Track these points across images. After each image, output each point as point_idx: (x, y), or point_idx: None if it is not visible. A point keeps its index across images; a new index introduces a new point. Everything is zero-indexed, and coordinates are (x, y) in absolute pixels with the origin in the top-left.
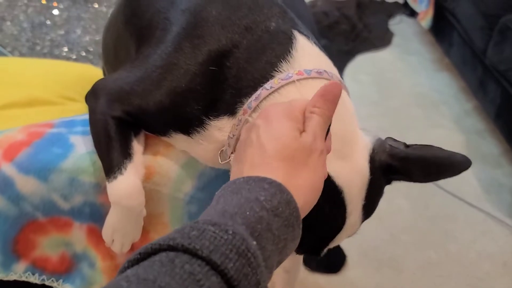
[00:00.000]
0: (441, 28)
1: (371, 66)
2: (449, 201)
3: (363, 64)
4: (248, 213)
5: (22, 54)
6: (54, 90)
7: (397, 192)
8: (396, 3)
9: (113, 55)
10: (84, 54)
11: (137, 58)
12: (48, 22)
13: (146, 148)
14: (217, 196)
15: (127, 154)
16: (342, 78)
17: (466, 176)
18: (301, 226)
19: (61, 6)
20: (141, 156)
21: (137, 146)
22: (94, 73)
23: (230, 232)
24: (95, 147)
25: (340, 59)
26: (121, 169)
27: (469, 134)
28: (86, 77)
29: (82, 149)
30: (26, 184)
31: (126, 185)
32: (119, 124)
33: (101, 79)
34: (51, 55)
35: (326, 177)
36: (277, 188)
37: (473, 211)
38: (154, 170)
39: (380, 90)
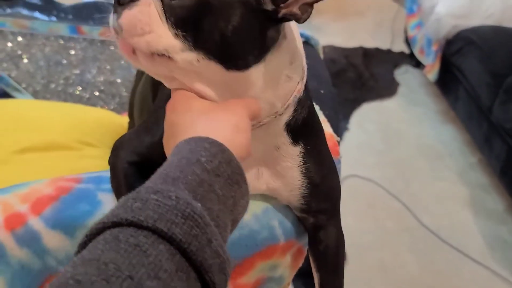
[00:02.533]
0: (447, 82)
1: (377, 115)
2: (454, 256)
3: (369, 112)
4: (190, 177)
5: (36, 91)
6: (72, 135)
7: (402, 246)
8: (402, 53)
9: (138, 115)
10: (97, 93)
11: (150, 111)
12: (64, 61)
13: None
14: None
15: None
16: (348, 127)
17: (471, 231)
18: (247, 181)
19: (78, 47)
20: None
21: None
22: (112, 119)
23: (173, 197)
24: (116, 196)
25: (346, 107)
26: None
27: (473, 188)
28: (104, 123)
29: (110, 206)
30: (53, 239)
31: None
32: (138, 171)
33: (119, 138)
34: (65, 93)
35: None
36: (218, 148)
37: (478, 268)
38: None
39: (385, 139)
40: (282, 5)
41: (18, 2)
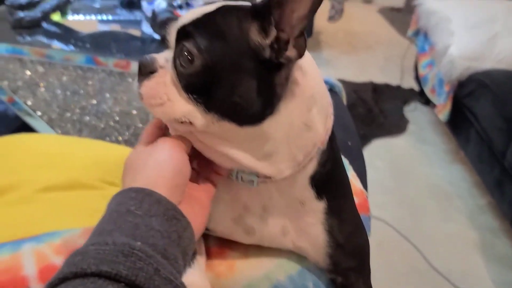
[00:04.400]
0: (458, 123)
1: (387, 152)
2: None
3: (379, 149)
4: (123, 226)
5: (51, 119)
6: (94, 174)
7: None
8: (411, 90)
9: None
10: (112, 124)
11: None
12: (82, 91)
13: (208, 268)
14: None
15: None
16: (366, 170)
17: (481, 276)
18: (184, 215)
19: (96, 77)
20: (203, 257)
21: (199, 248)
22: None
23: (110, 242)
24: None
25: None
26: (185, 269)
27: (483, 232)
28: None
29: None
30: None
31: (192, 276)
32: None
33: None
34: (80, 122)
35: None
36: (144, 193)
37: None
38: None
39: (395, 177)
40: (277, 46)
41: (38, 30)
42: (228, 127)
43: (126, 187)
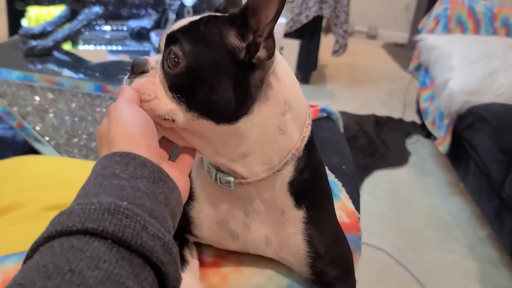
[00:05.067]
0: (458, 155)
1: (388, 183)
2: None
3: (380, 180)
4: (109, 188)
5: (58, 144)
6: None
7: None
8: (413, 123)
9: None
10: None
11: None
12: (89, 117)
13: (201, 279)
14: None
15: (182, 260)
16: (359, 193)
17: None
18: (170, 177)
19: (104, 104)
20: (196, 261)
21: (190, 254)
22: None
23: (96, 202)
24: None
25: (358, 173)
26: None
27: (482, 263)
28: None
29: None
30: None
31: (185, 280)
32: None
33: None
34: (86, 148)
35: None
36: (128, 156)
37: None
38: None
39: (395, 208)
40: (251, 48)
41: (50, 58)
42: (207, 125)
43: (102, 153)
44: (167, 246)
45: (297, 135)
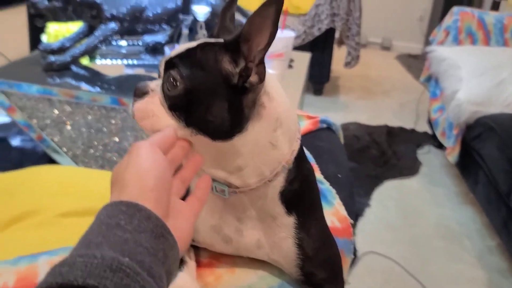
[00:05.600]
0: (467, 165)
1: (398, 193)
2: None
3: (391, 190)
4: (112, 239)
5: (75, 155)
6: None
7: None
8: (425, 133)
9: None
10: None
11: None
12: (105, 129)
13: (197, 278)
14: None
15: (181, 261)
16: (369, 203)
17: None
18: (171, 233)
19: (119, 116)
20: (193, 262)
21: (188, 255)
22: None
23: (99, 256)
24: None
25: (368, 183)
26: (177, 272)
27: (491, 272)
28: None
29: None
30: None
31: (183, 280)
32: None
33: None
34: (102, 158)
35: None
36: (135, 208)
37: None
38: None
39: (405, 217)
40: (244, 74)
41: (68, 73)
42: (203, 141)
43: (112, 198)
44: None
45: (287, 149)
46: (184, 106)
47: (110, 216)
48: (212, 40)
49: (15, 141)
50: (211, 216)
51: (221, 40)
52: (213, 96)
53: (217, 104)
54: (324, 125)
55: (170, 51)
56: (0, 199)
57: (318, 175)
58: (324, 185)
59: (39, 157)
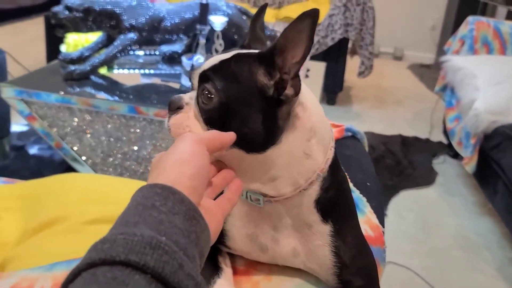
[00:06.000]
0: (485, 175)
1: (414, 203)
2: None
3: (407, 200)
4: (148, 219)
5: (95, 164)
6: None
7: None
8: (440, 143)
9: None
10: (150, 168)
11: None
12: (124, 138)
13: (235, 285)
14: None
15: (217, 267)
16: (386, 213)
17: None
18: (203, 217)
19: (138, 125)
20: (230, 269)
21: (224, 263)
22: None
23: (138, 234)
24: None
25: (384, 194)
26: (215, 279)
27: None
28: None
29: None
30: None
31: (219, 286)
32: None
33: None
34: (121, 166)
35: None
36: (169, 191)
37: None
38: None
39: (422, 227)
40: (278, 86)
41: (87, 82)
42: (238, 154)
43: (150, 181)
44: (199, 286)
45: (321, 157)
46: (219, 120)
47: (146, 197)
48: (245, 51)
49: (33, 150)
50: (247, 224)
51: (254, 51)
52: (248, 108)
53: (253, 117)
54: (349, 134)
55: (187, 61)
56: (29, 205)
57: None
58: (355, 193)
59: (57, 165)
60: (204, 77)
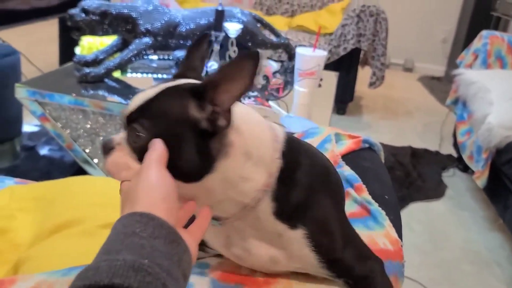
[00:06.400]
0: (497, 190)
1: (424, 215)
2: None
3: (416, 212)
4: (130, 245)
5: None
6: None
7: None
8: (450, 156)
9: None
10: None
11: None
12: None
13: None
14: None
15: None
16: (401, 223)
17: None
18: (183, 238)
19: None
20: None
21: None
22: None
23: (121, 259)
24: None
25: None
26: None
27: None
28: None
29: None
30: None
31: None
32: None
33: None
34: None
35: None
36: (148, 217)
37: None
38: None
39: (431, 240)
40: (211, 118)
41: (101, 85)
42: (178, 184)
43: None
44: None
45: (262, 177)
46: None
47: (126, 226)
48: (175, 83)
49: (43, 151)
50: (219, 236)
51: (187, 82)
52: (179, 142)
53: (185, 150)
54: (366, 145)
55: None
56: (43, 206)
57: (366, 195)
58: (373, 206)
59: (67, 167)
60: (131, 118)
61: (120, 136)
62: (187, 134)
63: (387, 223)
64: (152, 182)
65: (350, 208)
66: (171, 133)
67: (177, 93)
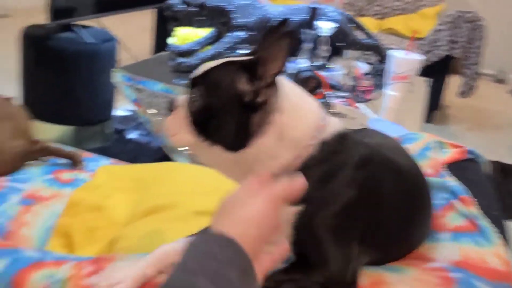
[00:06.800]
0: None
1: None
2: None
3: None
4: (206, 268)
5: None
6: None
7: None
8: None
9: None
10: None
11: None
12: None
13: None
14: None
15: None
16: (507, 240)
17: None
18: (254, 273)
19: None
20: None
21: None
22: None
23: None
24: None
25: None
26: None
27: None
28: None
29: None
30: None
31: None
32: None
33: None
34: None
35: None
36: (229, 243)
37: None
38: None
39: None
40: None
41: None
42: (219, 152)
43: (215, 227)
44: None
45: (288, 156)
46: (202, 122)
47: (207, 244)
48: (235, 58)
49: (132, 135)
50: None
51: (244, 58)
52: (224, 113)
53: (228, 121)
54: (471, 156)
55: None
56: (140, 188)
57: (474, 209)
58: (482, 222)
59: (153, 152)
60: (194, 82)
61: (183, 98)
62: (233, 106)
63: (498, 241)
64: (255, 215)
65: (454, 221)
66: (219, 102)
67: (231, 66)
